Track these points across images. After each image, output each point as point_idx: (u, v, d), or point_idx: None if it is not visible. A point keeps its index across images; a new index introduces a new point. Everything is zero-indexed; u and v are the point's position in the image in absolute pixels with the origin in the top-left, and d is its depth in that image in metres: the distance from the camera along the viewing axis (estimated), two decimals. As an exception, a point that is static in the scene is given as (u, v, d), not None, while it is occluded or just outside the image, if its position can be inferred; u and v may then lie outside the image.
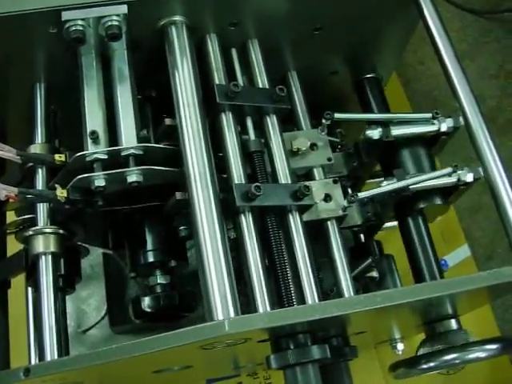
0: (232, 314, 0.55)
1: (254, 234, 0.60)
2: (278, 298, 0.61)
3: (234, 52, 0.71)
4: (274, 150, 0.66)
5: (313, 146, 0.71)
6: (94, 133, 0.63)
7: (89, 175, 0.61)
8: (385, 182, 0.70)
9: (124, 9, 0.63)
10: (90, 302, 0.93)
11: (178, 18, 0.66)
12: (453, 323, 0.69)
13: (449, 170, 0.70)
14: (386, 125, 0.71)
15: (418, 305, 0.57)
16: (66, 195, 0.62)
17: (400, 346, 0.82)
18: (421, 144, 0.74)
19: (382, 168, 0.77)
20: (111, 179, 0.62)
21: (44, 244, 0.65)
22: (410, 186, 0.69)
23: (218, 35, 0.69)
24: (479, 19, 1.01)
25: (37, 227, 0.66)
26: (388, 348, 0.84)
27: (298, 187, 0.62)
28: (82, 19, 0.63)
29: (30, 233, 0.65)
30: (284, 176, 0.65)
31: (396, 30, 0.74)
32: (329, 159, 0.71)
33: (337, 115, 0.71)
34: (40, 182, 0.67)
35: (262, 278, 0.59)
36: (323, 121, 0.71)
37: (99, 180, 0.61)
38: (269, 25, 0.70)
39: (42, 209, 0.67)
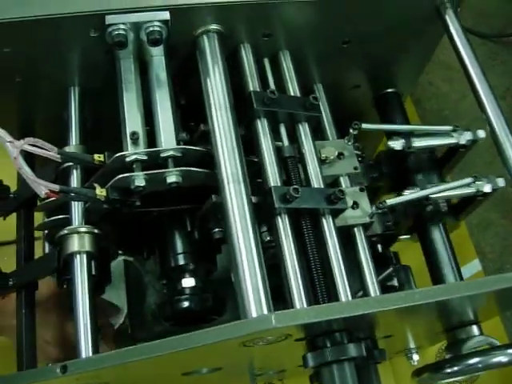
0: (265, 311, 0.57)
1: (290, 236, 0.63)
2: (314, 298, 0.63)
3: (266, 62, 0.74)
4: (306, 156, 0.69)
5: (340, 156, 0.74)
6: (134, 134, 0.66)
7: (130, 175, 0.64)
8: (407, 192, 0.74)
9: (166, 15, 0.67)
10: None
11: (213, 26, 0.70)
12: (474, 329, 0.72)
13: (469, 180, 0.74)
14: (408, 136, 0.75)
15: (452, 304, 0.60)
16: (105, 194, 0.64)
17: (415, 357, 0.85)
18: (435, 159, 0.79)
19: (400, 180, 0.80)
20: (151, 179, 0.64)
21: (79, 243, 0.67)
22: (431, 196, 0.73)
23: (251, 45, 0.73)
24: (487, 42, 1.07)
25: (71, 226, 0.68)
26: (401, 360, 0.87)
27: (333, 191, 0.66)
28: (125, 23, 0.67)
29: (65, 232, 0.67)
30: (317, 181, 0.68)
31: (419, 46, 0.78)
32: (355, 168, 0.75)
33: (364, 125, 0.74)
34: (75, 181, 0.69)
35: (299, 277, 0.62)
36: (350, 130, 0.74)
37: (140, 180, 0.64)
38: (300, 37, 0.73)
39: (75, 209, 0.69)
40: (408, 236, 0.80)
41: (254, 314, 0.57)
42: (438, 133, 0.77)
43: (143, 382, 0.72)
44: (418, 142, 0.75)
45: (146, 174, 0.64)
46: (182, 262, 0.71)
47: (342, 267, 0.65)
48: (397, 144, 0.75)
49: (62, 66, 0.72)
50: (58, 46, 0.69)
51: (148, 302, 0.87)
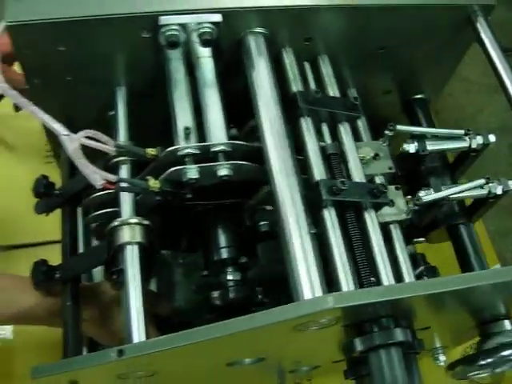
0: (319, 294, 0.61)
1: (337, 227, 0.67)
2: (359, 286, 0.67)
3: (307, 65, 0.79)
4: (348, 153, 0.73)
5: (376, 156, 0.78)
6: (187, 129, 0.69)
7: (183, 167, 0.68)
8: (422, 192, 0.78)
9: (218, 17, 0.71)
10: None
11: (258, 29, 0.74)
12: (507, 323, 0.76)
13: (482, 181, 0.77)
14: (421, 139, 0.79)
15: (491, 290, 0.63)
16: (158, 186, 0.68)
17: (442, 357, 0.88)
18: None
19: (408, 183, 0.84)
20: (203, 172, 0.68)
21: (130, 234, 0.70)
22: (451, 196, 0.77)
23: (293, 49, 0.77)
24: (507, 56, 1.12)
25: (122, 218, 0.71)
26: (425, 361, 0.90)
27: (376, 186, 0.70)
28: (177, 25, 0.71)
29: (116, 223, 0.70)
30: (358, 177, 0.72)
31: (449, 54, 0.83)
32: (390, 168, 0.79)
33: (398, 127, 0.79)
34: (125, 175, 0.73)
35: (347, 265, 0.65)
36: (386, 132, 0.78)
37: (192, 172, 0.67)
38: (339, 42, 0.78)
39: (125, 201, 0.72)
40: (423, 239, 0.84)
41: (309, 297, 0.60)
42: (451, 136, 0.81)
43: (188, 375, 0.75)
44: (432, 146, 0.79)
45: (198, 167, 0.68)
46: (226, 255, 0.74)
47: (386, 260, 0.69)
48: (411, 147, 0.79)
49: (110, 66, 0.76)
50: (109, 46, 0.73)
51: (176, 297, 0.89)
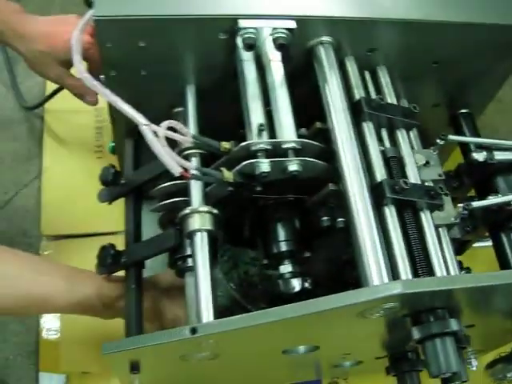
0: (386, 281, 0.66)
1: (397, 223, 0.72)
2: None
3: (367, 75, 0.84)
4: (405, 158, 0.79)
5: (426, 163, 0.84)
6: (262, 125, 0.75)
7: (256, 161, 0.73)
8: (490, 197, 0.83)
9: (293, 24, 0.77)
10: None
11: (326, 38, 0.80)
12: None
13: None
14: (489, 150, 0.85)
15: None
16: (231, 178, 0.73)
17: (474, 362, 0.93)
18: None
19: (476, 191, 0.90)
20: (274, 167, 0.73)
21: (200, 222, 0.75)
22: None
23: (355, 58, 0.83)
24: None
25: (193, 206, 0.76)
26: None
27: (433, 187, 0.75)
28: (255, 28, 0.76)
29: (187, 211, 0.75)
30: (415, 180, 0.77)
31: (498, 71, 0.89)
32: (439, 175, 0.84)
33: (450, 137, 0.84)
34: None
35: (406, 259, 0.70)
36: (437, 141, 0.84)
37: (265, 166, 0.72)
38: (398, 54, 0.84)
39: (195, 191, 0.77)
40: (484, 244, 0.89)
41: (377, 283, 0.65)
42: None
43: (243, 363, 0.80)
44: (500, 156, 0.85)
45: (270, 162, 0.73)
46: (285, 248, 0.79)
47: (439, 255, 0.74)
48: (480, 156, 0.85)
49: (184, 64, 0.82)
50: (186, 44, 0.79)
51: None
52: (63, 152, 1.11)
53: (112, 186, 0.85)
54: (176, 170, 0.71)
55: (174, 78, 0.83)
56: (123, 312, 0.81)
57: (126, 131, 0.90)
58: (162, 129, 0.71)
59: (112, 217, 1.00)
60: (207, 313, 0.71)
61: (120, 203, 0.93)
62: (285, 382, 0.97)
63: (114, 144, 0.97)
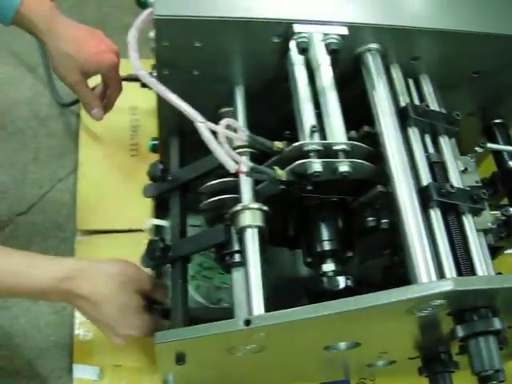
0: (434, 279, 0.69)
1: (442, 225, 0.75)
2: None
3: (411, 82, 0.88)
4: (447, 163, 0.82)
5: (464, 170, 0.87)
6: (314, 126, 0.78)
7: (309, 161, 0.76)
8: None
9: (345, 30, 0.80)
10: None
11: (373, 45, 0.84)
12: None
13: None
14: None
15: None
16: (284, 176, 0.76)
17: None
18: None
19: (510, 199, 0.93)
20: (326, 167, 0.76)
21: (251, 218, 0.78)
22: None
23: (400, 65, 0.86)
24: None
25: (244, 203, 0.79)
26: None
27: (476, 192, 0.78)
28: (309, 33, 0.80)
29: (238, 208, 0.78)
30: (458, 185, 0.80)
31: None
32: (476, 182, 0.87)
33: (489, 145, 0.88)
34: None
35: (451, 259, 0.73)
36: (476, 148, 0.88)
37: (317, 166, 0.76)
38: (441, 63, 0.87)
39: (246, 188, 0.80)
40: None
41: (425, 281, 0.68)
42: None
43: (285, 358, 0.83)
44: None
45: (322, 162, 0.76)
46: (328, 247, 0.82)
47: (481, 257, 0.77)
48: None
49: (235, 66, 0.85)
50: (240, 46, 0.82)
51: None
52: (98, 149, 1.13)
53: (159, 181, 0.88)
54: (231, 167, 0.74)
55: (224, 79, 0.87)
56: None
57: (171, 130, 0.93)
58: (221, 127, 0.74)
59: (145, 214, 1.02)
60: (258, 306, 0.73)
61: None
62: (314, 381, 1.00)
63: (154, 142, 0.99)
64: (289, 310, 0.70)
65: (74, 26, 1.00)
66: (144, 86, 1.03)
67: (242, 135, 0.77)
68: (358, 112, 0.81)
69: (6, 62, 1.23)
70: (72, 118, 1.18)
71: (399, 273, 0.85)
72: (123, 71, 1.07)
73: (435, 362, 0.85)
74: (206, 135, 0.74)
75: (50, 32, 0.96)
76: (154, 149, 1.00)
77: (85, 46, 0.98)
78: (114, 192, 1.08)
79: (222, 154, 0.74)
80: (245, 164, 0.74)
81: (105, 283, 0.83)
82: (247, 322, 0.70)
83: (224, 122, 0.74)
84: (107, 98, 1.06)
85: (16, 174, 1.10)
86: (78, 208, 1.08)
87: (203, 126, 0.75)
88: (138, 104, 1.17)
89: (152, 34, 0.82)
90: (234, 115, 0.86)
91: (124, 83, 1.09)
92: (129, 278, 0.85)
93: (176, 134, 0.93)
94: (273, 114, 0.89)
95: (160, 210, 1.00)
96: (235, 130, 0.77)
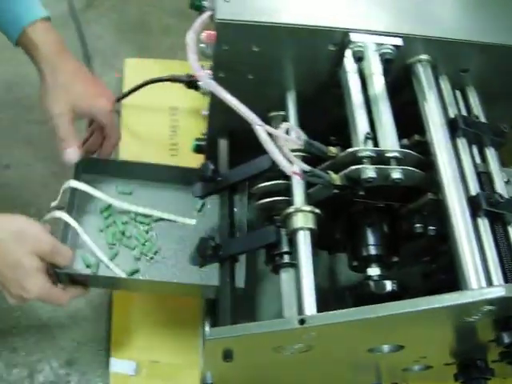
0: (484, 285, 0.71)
1: (490, 234, 0.78)
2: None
3: (458, 93, 0.91)
4: (493, 174, 0.85)
5: (507, 181, 0.90)
6: (368, 133, 0.80)
7: (363, 167, 0.78)
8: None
9: (400, 41, 0.83)
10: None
11: (425, 57, 0.87)
12: None
13: None
14: None
15: None
16: (338, 180, 0.79)
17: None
18: None
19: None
20: (379, 173, 0.78)
21: (304, 220, 0.80)
22: None
23: (448, 77, 0.89)
24: None
25: (296, 206, 0.81)
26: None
27: (522, 203, 0.81)
28: (365, 42, 0.83)
29: (291, 210, 0.81)
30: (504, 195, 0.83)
31: None
32: (518, 193, 0.90)
33: (531, 157, 0.91)
34: (298, 168, 0.83)
35: (498, 266, 0.75)
36: (520, 161, 0.91)
37: (371, 172, 0.78)
38: (488, 76, 0.90)
39: (299, 191, 0.83)
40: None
41: (475, 287, 0.71)
42: None
43: (329, 358, 0.85)
44: None
45: (376, 168, 0.79)
46: (374, 251, 0.85)
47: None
48: None
49: (289, 71, 0.88)
50: (296, 52, 0.85)
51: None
52: (138, 146, 1.15)
53: (208, 181, 0.90)
54: (289, 170, 0.77)
55: (276, 84, 0.89)
56: None
57: (220, 131, 0.96)
58: (282, 131, 0.76)
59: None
60: (310, 306, 0.76)
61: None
62: (349, 384, 1.02)
63: (198, 143, 1.02)
64: (343, 310, 0.72)
65: (77, 63, 1.00)
66: (190, 87, 1.07)
67: (300, 140, 0.79)
68: (404, 119, 0.84)
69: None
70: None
71: (438, 280, 0.89)
72: (167, 71, 1.10)
73: (472, 368, 0.87)
74: (264, 138, 0.77)
75: (51, 60, 0.95)
76: (197, 149, 1.03)
77: (83, 83, 0.97)
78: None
79: (280, 156, 0.76)
80: (302, 167, 0.77)
81: (0, 238, 0.83)
82: (302, 321, 0.73)
83: (284, 126, 0.77)
84: (103, 147, 1.04)
85: (57, 169, 1.13)
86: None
87: (261, 128, 0.77)
88: (178, 105, 1.20)
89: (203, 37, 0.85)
90: (284, 119, 0.89)
91: (165, 84, 1.12)
92: (27, 238, 0.84)
93: (225, 136, 0.96)
94: (319, 118, 0.91)
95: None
96: (291, 134, 0.80)
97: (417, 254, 0.90)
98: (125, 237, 0.98)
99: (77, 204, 0.98)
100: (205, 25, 0.85)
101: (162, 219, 1.00)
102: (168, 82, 1.10)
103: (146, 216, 1.00)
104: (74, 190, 0.96)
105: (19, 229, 0.84)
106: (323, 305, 0.77)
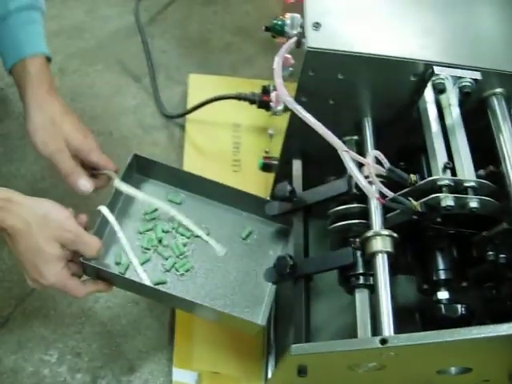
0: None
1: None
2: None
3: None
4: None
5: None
6: (448, 163, 0.85)
7: (444, 195, 0.82)
8: None
9: (479, 75, 0.87)
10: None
11: (499, 90, 0.91)
12: None
13: None
14: None
15: None
16: (419, 207, 0.83)
17: None
18: None
19: None
20: (457, 202, 0.82)
21: (382, 244, 0.84)
22: None
23: (521, 110, 0.94)
24: None
25: (375, 229, 0.85)
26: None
27: None
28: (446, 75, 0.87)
29: (370, 234, 0.85)
30: None
31: None
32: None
33: None
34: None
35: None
36: None
37: (449, 200, 0.82)
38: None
39: (377, 215, 0.87)
40: None
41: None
42: None
43: (398, 376, 0.89)
44: None
45: (454, 197, 0.83)
46: (444, 276, 0.89)
47: None
48: None
49: (370, 98, 0.92)
50: (379, 81, 0.89)
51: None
52: (202, 161, 1.19)
53: (284, 201, 0.95)
54: (373, 195, 0.81)
55: (355, 109, 0.94)
56: None
57: (295, 152, 1.00)
58: (370, 159, 0.81)
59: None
60: (389, 327, 0.80)
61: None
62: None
63: (264, 161, 1.06)
64: (423, 333, 0.76)
65: (63, 102, 1.00)
66: (261, 106, 1.11)
67: (384, 168, 0.84)
68: (478, 149, 0.88)
69: (114, 70, 1.30)
70: (175, 129, 1.25)
71: (501, 306, 0.93)
72: (229, 88, 1.14)
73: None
74: (349, 164, 0.81)
75: (40, 97, 0.97)
76: (264, 167, 1.07)
77: (71, 122, 0.98)
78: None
79: (365, 183, 0.80)
80: (387, 194, 0.81)
81: (25, 221, 0.83)
82: (383, 341, 0.76)
83: (372, 154, 0.81)
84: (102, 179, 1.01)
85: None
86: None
87: (347, 154, 0.82)
88: (241, 122, 1.24)
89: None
90: (357, 143, 0.93)
91: (228, 100, 1.16)
92: (51, 223, 0.85)
93: (299, 156, 1.00)
94: (391, 143, 0.95)
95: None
96: (376, 161, 0.84)
97: (481, 279, 0.94)
98: (161, 245, 1.00)
99: (122, 201, 1.01)
100: (291, 50, 0.90)
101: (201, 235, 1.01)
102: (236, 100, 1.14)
103: (188, 229, 1.01)
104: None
105: (45, 213, 0.85)
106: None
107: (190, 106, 1.23)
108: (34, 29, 1.00)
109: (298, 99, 0.91)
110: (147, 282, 0.94)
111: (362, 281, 0.87)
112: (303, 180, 1.00)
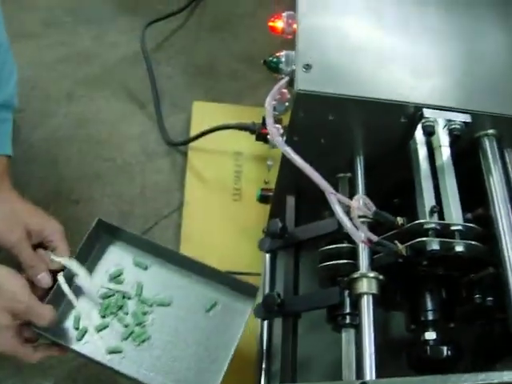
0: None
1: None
2: None
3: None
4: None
5: None
6: (435, 207, 0.86)
7: (429, 239, 0.84)
8: None
9: (469, 118, 0.89)
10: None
11: (491, 131, 0.92)
12: None
13: None
14: None
15: None
16: (404, 251, 0.85)
17: None
18: None
19: None
20: (443, 246, 0.84)
21: (368, 286, 0.86)
22: None
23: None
24: None
25: (362, 271, 0.87)
26: None
27: None
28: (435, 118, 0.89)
29: (357, 276, 0.87)
30: None
31: None
32: None
33: None
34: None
35: None
36: None
37: (435, 244, 0.84)
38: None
39: (365, 256, 0.89)
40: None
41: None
42: None
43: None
44: None
45: (440, 241, 0.84)
46: (432, 317, 0.90)
47: None
48: None
49: (360, 138, 0.94)
50: (369, 123, 0.91)
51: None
52: (203, 189, 1.23)
53: (275, 238, 0.97)
54: (359, 239, 0.83)
55: (346, 149, 0.96)
56: None
57: (288, 188, 1.03)
58: (356, 202, 0.83)
59: (245, 258, 1.12)
60: (370, 370, 0.82)
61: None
62: None
63: (262, 193, 1.09)
64: (404, 378, 0.78)
65: (16, 192, 1.02)
66: (259, 139, 1.14)
67: (370, 210, 0.86)
68: (466, 189, 0.89)
69: (120, 97, 1.34)
70: (178, 156, 1.28)
71: (490, 342, 0.94)
72: (233, 116, 1.18)
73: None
74: (336, 206, 0.83)
75: (2, 190, 0.99)
76: (262, 199, 1.09)
77: (28, 209, 1.00)
78: (215, 233, 1.18)
79: (351, 226, 0.83)
80: (372, 238, 0.83)
81: None
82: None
83: (357, 197, 0.83)
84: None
85: (123, 206, 1.20)
86: (182, 246, 1.17)
87: (334, 197, 0.84)
88: (243, 150, 1.27)
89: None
90: (350, 181, 0.95)
91: (231, 129, 1.19)
92: (4, 294, 0.87)
93: (293, 193, 1.02)
94: (383, 180, 0.97)
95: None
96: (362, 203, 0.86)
97: (470, 318, 0.95)
98: (122, 311, 1.00)
99: (90, 261, 1.03)
100: (282, 89, 0.93)
101: (163, 305, 1.02)
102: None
103: (150, 297, 1.02)
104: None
105: None
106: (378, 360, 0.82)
107: (193, 133, 1.26)
108: (3, 129, 1.03)
109: (289, 138, 0.94)
110: (100, 352, 0.95)
111: (348, 320, 0.89)
112: (298, 214, 1.02)
